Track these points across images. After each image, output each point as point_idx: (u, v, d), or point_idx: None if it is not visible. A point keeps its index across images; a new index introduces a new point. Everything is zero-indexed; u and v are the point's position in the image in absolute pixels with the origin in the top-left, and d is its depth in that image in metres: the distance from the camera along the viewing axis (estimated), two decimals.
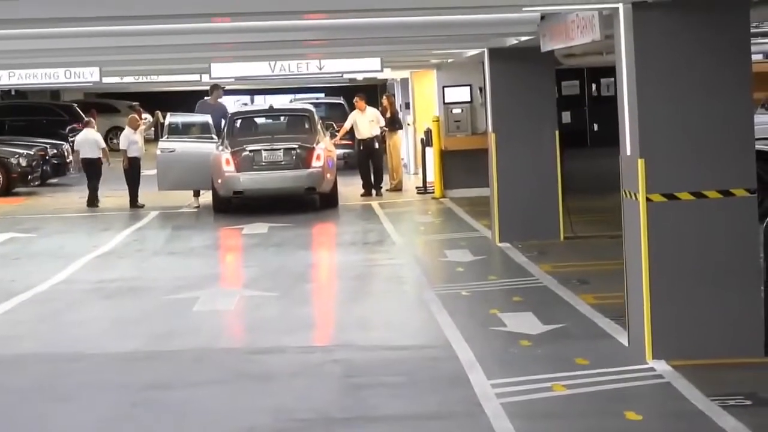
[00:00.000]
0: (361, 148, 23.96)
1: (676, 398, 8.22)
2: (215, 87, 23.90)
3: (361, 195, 23.37)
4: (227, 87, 28.42)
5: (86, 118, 25.47)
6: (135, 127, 23.28)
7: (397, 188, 24.17)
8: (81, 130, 24.61)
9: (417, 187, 24.16)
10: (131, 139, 22.99)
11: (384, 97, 26.02)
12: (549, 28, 12.18)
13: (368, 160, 23.70)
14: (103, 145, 23.36)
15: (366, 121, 23.80)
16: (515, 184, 15.85)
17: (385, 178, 24.09)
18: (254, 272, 14.88)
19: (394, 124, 24.71)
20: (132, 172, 22.82)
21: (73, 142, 34.80)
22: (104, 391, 9.16)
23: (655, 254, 9.09)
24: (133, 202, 22.60)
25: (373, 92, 35.80)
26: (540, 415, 8.07)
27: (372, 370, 9.47)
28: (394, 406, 8.43)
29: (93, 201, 23.05)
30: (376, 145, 23.74)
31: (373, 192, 23.47)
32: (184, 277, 14.50)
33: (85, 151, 23.32)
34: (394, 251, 16.19)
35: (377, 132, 23.78)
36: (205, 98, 24.26)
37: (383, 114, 24.41)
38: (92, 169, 23.28)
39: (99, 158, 23.21)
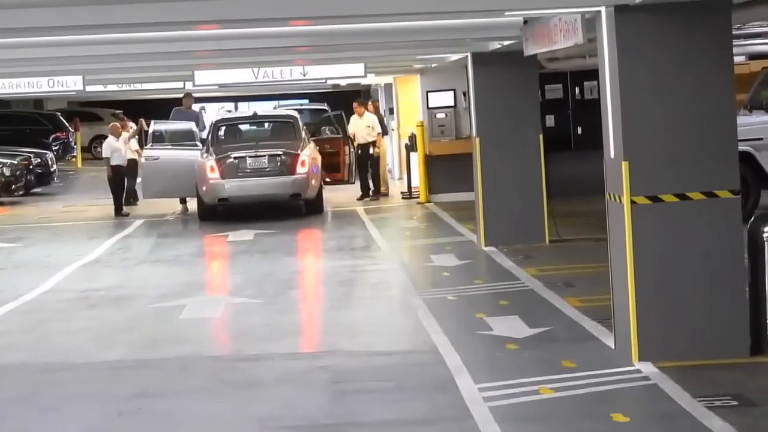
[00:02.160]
0: (359, 152, 24.02)
1: (663, 399, 8.24)
2: (187, 95, 24.93)
3: (358, 199, 23.45)
4: (212, 95, 28.77)
5: (112, 124, 24.65)
6: (117, 135, 23.22)
7: (383, 193, 24.19)
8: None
9: (402, 193, 24.18)
10: (114, 147, 22.93)
11: (368, 102, 26.04)
12: (532, 32, 12.20)
13: (366, 165, 23.78)
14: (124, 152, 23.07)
15: (363, 126, 23.87)
16: (500, 188, 15.86)
17: (370, 183, 24.11)
18: (240, 279, 14.86)
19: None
20: (115, 180, 22.77)
21: (57, 151, 34.75)
22: (91, 401, 9.14)
23: (640, 256, 9.11)
24: (118, 210, 22.55)
25: (356, 98, 35.74)
26: (528, 418, 8.07)
27: (359, 376, 9.47)
28: (382, 412, 8.43)
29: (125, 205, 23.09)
30: (370, 150, 23.75)
31: (371, 195, 23.54)
32: (170, 285, 14.48)
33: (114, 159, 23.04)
34: (379, 257, 16.19)
35: (373, 138, 23.81)
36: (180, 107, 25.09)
37: None
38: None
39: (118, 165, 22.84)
